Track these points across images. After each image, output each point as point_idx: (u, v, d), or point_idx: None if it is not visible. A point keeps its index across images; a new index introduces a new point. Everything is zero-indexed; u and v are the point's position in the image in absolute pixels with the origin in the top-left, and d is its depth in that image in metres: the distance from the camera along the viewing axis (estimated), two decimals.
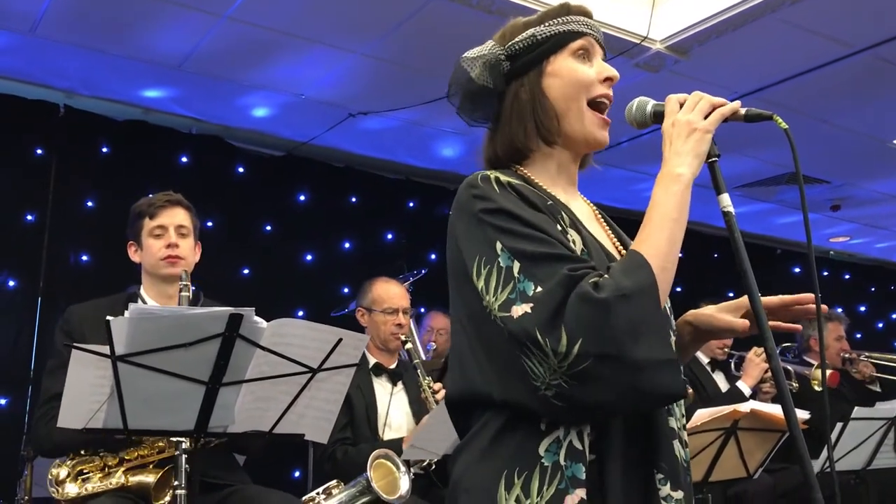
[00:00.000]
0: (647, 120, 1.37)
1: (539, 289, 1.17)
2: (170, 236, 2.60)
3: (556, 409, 1.15)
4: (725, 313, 1.39)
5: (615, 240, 1.44)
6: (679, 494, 1.26)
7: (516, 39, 1.42)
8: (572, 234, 1.29)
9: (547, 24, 1.42)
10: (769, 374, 3.88)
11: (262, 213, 5.16)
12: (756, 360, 3.97)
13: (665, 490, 1.24)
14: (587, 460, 1.19)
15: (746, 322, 1.35)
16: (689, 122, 1.30)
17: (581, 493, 1.18)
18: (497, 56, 1.41)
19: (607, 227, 1.47)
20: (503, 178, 1.31)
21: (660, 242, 1.22)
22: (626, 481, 1.20)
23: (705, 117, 1.30)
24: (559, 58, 1.40)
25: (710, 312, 1.41)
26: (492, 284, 1.21)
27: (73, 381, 1.92)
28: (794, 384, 4.32)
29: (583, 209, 1.44)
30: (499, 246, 1.22)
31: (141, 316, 1.76)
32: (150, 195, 2.72)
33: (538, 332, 1.14)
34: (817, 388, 4.30)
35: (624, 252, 1.39)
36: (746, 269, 1.24)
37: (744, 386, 3.96)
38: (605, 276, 1.18)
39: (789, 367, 4.36)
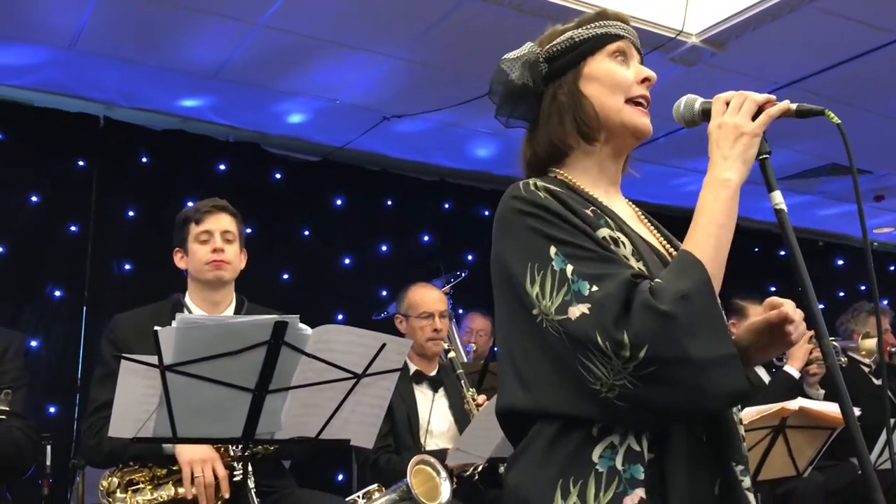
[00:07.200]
0: (695, 118, 1.36)
1: (595, 288, 1.17)
2: (215, 241, 2.61)
3: (618, 411, 1.15)
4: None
5: (662, 240, 1.43)
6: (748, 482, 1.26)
7: (554, 42, 1.44)
8: (620, 237, 1.29)
9: (585, 27, 1.43)
10: (814, 354, 3.83)
11: (299, 219, 5.20)
12: (800, 342, 3.88)
13: (747, 481, 1.24)
14: (646, 460, 1.18)
15: (777, 312, 1.33)
16: (737, 125, 1.28)
17: (640, 492, 1.17)
18: (536, 56, 1.43)
19: (653, 228, 1.46)
20: (542, 185, 1.31)
21: (707, 247, 1.22)
22: (692, 477, 1.19)
23: (753, 118, 1.28)
24: (596, 59, 1.41)
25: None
26: (547, 289, 1.21)
27: (123, 391, 1.94)
28: (842, 359, 4.28)
29: (625, 211, 1.43)
30: (552, 250, 1.22)
31: (188, 325, 1.77)
32: (194, 202, 2.74)
33: (598, 335, 1.14)
34: (866, 360, 4.44)
35: (673, 252, 1.38)
36: (800, 265, 1.22)
37: (791, 369, 3.87)
38: (659, 280, 1.18)
39: (836, 344, 4.27)
